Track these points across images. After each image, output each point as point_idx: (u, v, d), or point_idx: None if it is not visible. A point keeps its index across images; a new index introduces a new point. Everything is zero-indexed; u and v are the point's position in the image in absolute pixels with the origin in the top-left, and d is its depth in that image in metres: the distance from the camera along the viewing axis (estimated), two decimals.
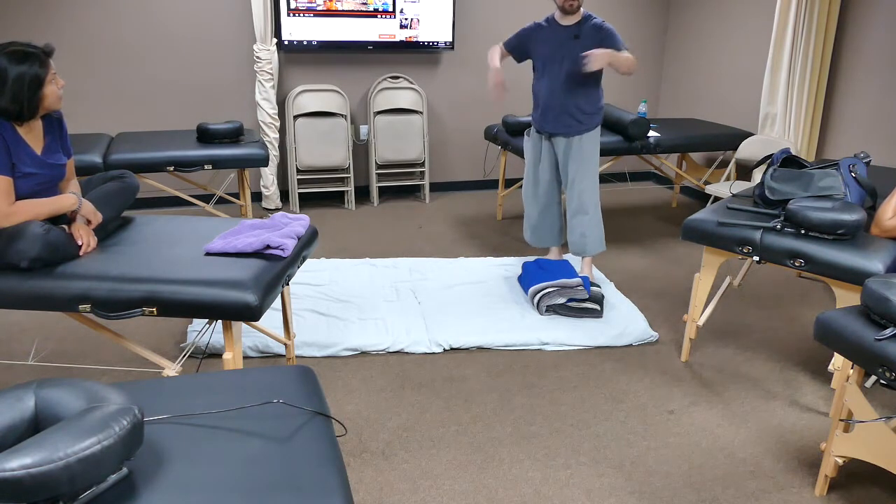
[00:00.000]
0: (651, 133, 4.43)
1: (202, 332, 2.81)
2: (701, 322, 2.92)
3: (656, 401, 2.70)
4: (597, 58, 3.15)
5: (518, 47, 3.63)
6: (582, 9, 3.41)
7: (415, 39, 5.13)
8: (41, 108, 2.18)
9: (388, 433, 2.46)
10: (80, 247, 2.24)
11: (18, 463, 1.09)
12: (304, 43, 4.91)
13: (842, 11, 4.20)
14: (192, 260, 2.22)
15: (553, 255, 3.96)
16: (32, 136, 2.22)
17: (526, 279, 3.53)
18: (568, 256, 4.09)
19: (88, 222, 2.31)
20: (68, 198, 2.26)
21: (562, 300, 3.30)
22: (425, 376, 2.84)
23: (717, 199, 4.75)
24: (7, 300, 2.10)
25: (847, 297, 2.41)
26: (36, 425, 1.30)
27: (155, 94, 4.85)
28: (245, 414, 1.51)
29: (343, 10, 4.91)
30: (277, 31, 4.83)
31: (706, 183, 4.89)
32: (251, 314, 2.05)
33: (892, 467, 1.93)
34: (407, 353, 3.03)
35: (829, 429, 2.53)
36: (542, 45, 3.49)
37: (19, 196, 2.17)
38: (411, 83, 5.23)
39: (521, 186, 5.23)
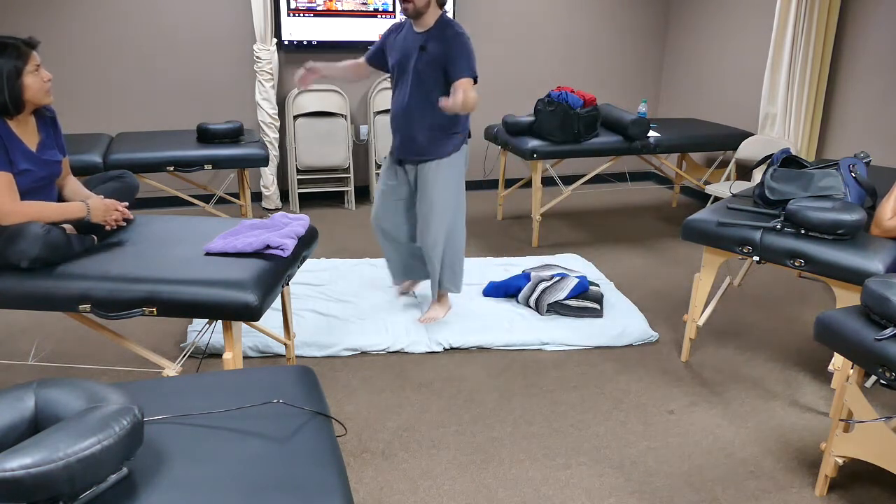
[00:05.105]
0: (651, 133, 4.43)
1: (202, 332, 2.81)
2: (701, 322, 2.92)
3: (656, 401, 2.70)
4: (449, 108, 2.67)
5: (377, 55, 3.06)
6: (445, 16, 2.86)
7: None
8: (25, 101, 2.17)
9: (388, 433, 2.46)
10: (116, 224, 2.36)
11: (18, 463, 1.09)
12: (304, 43, 4.91)
13: (842, 11, 4.20)
14: (192, 260, 2.22)
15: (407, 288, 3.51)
16: (27, 133, 2.22)
17: (502, 289, 3.50)
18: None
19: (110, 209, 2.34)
20: (77, 206, 2.25)
21: (563, 295, 3.29)
22: (425, 376, 2.84)
23: (717, 199, 4.75)
24: (7, 300, 2.10)
25: (847, 297, 2.41)
26: (36, 425, 1.30)
27: (155, 94, 4.85)
28: (245, 414, 1.51)
29: (343, 10, 4.91)
30: (277, 31, 4.83)
31: (706, 183, 4.89)
32: (251, 314, 2.05)
33: (892, 467, 1.93)
34: (407, 353, 3.03)
35: (829, 429, 2.53)
36: (392, 52, 2.98)
37: None
38: None
39: (521, 186, 5.25)
